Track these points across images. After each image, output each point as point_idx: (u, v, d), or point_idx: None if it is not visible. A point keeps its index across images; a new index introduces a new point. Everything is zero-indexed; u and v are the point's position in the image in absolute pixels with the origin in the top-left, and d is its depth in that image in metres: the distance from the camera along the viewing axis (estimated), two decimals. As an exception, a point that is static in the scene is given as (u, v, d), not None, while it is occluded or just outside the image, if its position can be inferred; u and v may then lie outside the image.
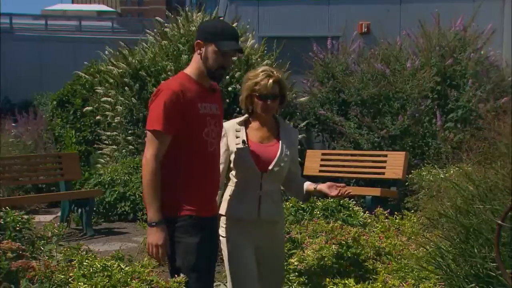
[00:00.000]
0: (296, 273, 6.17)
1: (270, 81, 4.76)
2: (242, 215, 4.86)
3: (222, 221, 4.94)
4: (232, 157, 4.90)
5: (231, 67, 12.37)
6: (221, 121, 4.67)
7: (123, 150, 12.91)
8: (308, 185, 5.06)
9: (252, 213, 4.85)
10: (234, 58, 12.26)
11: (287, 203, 9.41)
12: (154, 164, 4.29)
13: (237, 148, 4.86)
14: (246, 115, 5.01)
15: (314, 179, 11.66)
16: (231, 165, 4.94)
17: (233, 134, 4.90)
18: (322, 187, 4.92)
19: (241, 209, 4.87)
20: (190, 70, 4.52)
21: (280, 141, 4.95)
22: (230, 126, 4.94)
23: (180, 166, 4.44)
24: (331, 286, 5.63)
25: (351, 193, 4.97)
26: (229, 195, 4.97)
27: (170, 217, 4.41)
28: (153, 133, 4.33)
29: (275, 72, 4.86)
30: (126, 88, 12.65)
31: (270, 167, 4.85)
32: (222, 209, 4.94)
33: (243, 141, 4.85)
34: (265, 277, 5.03)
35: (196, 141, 4.41)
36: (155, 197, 4.32)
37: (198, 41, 4.47)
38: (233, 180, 4.98)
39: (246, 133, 4.92)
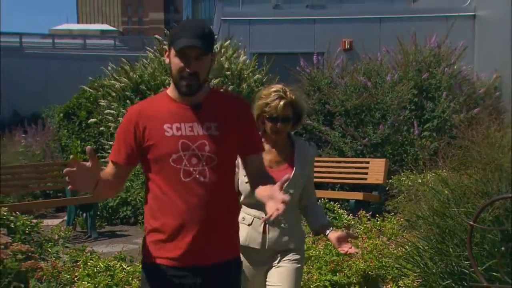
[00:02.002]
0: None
1: (281, 103, 4.09)
2: (248, 242, 4.11)
3: None
4: (239, 182, 4.13)
5: (222, 80, 12.30)
6: (218, 143, 3.34)
7: (125, 159, 12.88)
8: (321, 225, 4.28)
9: (258, 241, 4.14)
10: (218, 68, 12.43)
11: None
12: None
13: (244, 174, 3.97)
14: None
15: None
16: (239, 188, 4.15)
17: None
18: (332, 237, 4.16)
19: (247, 236, 4.13)
20: (170, 86, 3.47)
21: (293, 166, 4.19)
22: None
23: (149, 201, 3.41)
24: (318, 283, 5.62)
25: (357, 253, 4.37)
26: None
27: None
28: None
29: (288, 93, 4.15)
30: (127, 101, 12.61)
31: None
32: None
33: None
34: None
35: (163, 170, 3.31)
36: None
37: (166, 48, 3.43)
38: (241, 204, 4.21)
39: None
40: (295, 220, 4.28)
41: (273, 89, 4.16)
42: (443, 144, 10.69)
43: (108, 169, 3.41)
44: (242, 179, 4.10)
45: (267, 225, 4.10)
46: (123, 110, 12.58)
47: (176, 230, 3.28)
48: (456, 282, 4.76)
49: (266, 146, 4.15)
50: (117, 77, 13.28)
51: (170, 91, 3.43)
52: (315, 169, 13.03)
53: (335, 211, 9.17)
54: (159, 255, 3.34)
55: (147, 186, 3.42)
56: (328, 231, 4.18)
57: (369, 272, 5.84)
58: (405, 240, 5.97)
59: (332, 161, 12.11)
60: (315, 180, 12.68)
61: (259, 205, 3.77)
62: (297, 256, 4.22)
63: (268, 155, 4.16)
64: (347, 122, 12.51)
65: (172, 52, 3.30)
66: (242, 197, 4.19)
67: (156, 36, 14.22)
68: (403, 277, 5.42)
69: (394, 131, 12.18)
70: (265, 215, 3.70)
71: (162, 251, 3.33)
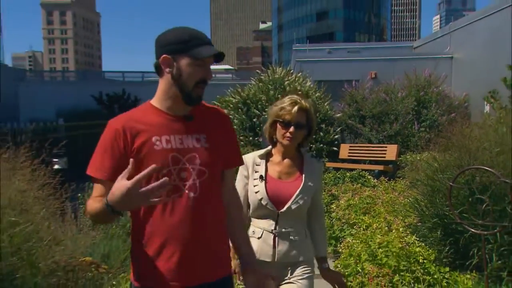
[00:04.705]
0: (334, 213, 6.18)
1: (296, 107, 2.60)
2: (259, 256, 2.56)
3: None
4: (249, 193, 2.67)
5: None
6: (208, 155, 2.04)
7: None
8: (317, 257, 2.72)
9: (268, 254, 2.62)
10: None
11: (329, 174, 9.34)
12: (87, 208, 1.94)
13: (254, 185, 2.66)
14: (268, 148, 2.76)
15: (345, 161, 11.56)
16: (248, 200, 2.68)
17: (252, 169, 2.69)
18: (323, 276, 2.73)
19: (258, 249, 2.59)
20: (156, 97, 2.07)
21: (302, 177, 2.66)
22: (251, 159, 2.71)
23: (134, 217, 2.04)
24: (354, 220, 5.61)
25: None
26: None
27: None
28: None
29: (303, 101, 2.64)
30: (239, 110, 12.77)
31: (287, 206, 2.60)
32: None
33: (261, 177, 2.66)
34: None
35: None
36: (93, 209, 1.88)
37: (165, 56, 1.98)
38: (250, 217, 2.72)
39: (266, 167, 2.69)
40: (304, 232, 2.69)
41: (288, 97, 2.68)
42: (433, 135, 10.47)
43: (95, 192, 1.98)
44: (251, 189, 2.67)
45: (276, 238, 2.62)
46: (237, 115, 12.64)
47: (163, 249, 1.98)
48: (441, 220, 4.70)
49: (277, 158, 2.71)
50: (233, 96, 13.44)
51: (157, 101, 2.07)
52: (354, 151, 12.98)
53: (365, 177, 9.08)
54: (146, 276, 2.01)
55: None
56: (323, 266, 2.72)
57: (386, 214, 5.78)
58: (409, 194, 5.89)
59: (364, 146, 12.02)
60: (355, 157, 12.62)
61: (268, 216, 2.64)
62: (308, 270, 2.67)
63: (278, 167, 2.69)
64: (373, 122, 12.46)
65: (186, 60, 1.97)
66: (251, 210, 2.69)
67: (257, 71, 14.33)
68: (407, 217, 5.35)
69: (403, 127, 12.07)
70: (274, 227, 2.61)
71: (149, 271, 2.00)
